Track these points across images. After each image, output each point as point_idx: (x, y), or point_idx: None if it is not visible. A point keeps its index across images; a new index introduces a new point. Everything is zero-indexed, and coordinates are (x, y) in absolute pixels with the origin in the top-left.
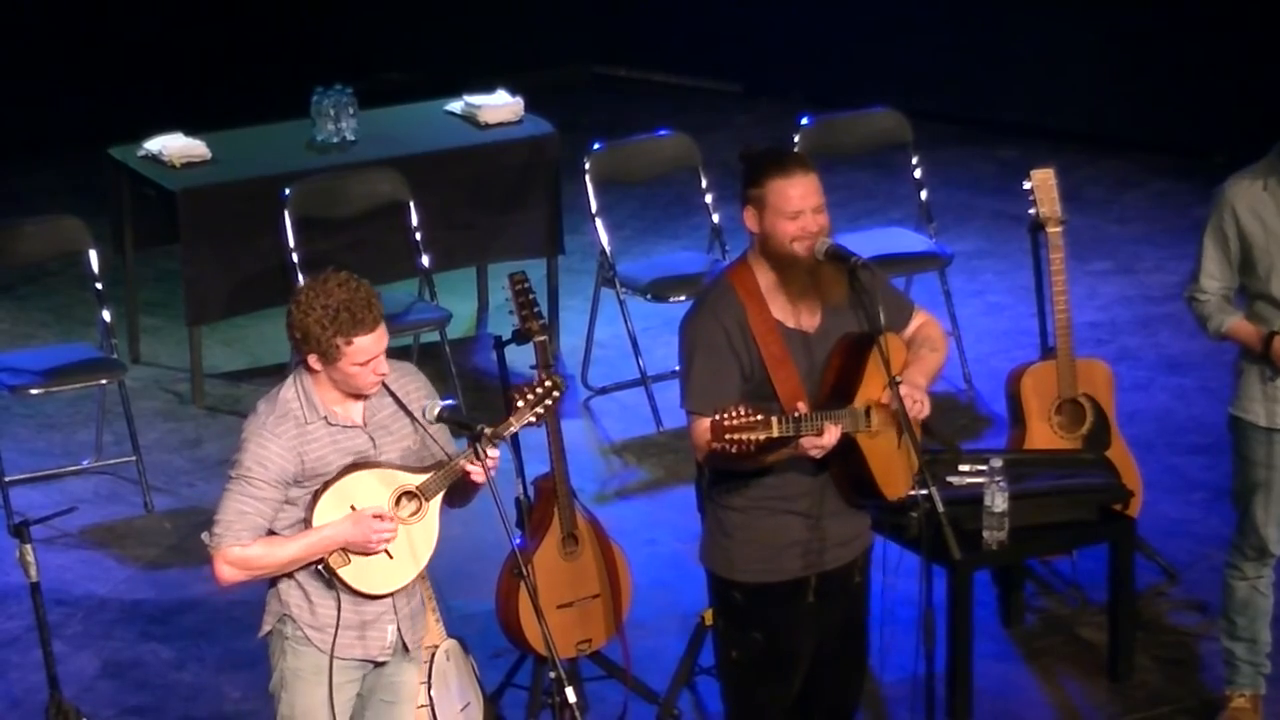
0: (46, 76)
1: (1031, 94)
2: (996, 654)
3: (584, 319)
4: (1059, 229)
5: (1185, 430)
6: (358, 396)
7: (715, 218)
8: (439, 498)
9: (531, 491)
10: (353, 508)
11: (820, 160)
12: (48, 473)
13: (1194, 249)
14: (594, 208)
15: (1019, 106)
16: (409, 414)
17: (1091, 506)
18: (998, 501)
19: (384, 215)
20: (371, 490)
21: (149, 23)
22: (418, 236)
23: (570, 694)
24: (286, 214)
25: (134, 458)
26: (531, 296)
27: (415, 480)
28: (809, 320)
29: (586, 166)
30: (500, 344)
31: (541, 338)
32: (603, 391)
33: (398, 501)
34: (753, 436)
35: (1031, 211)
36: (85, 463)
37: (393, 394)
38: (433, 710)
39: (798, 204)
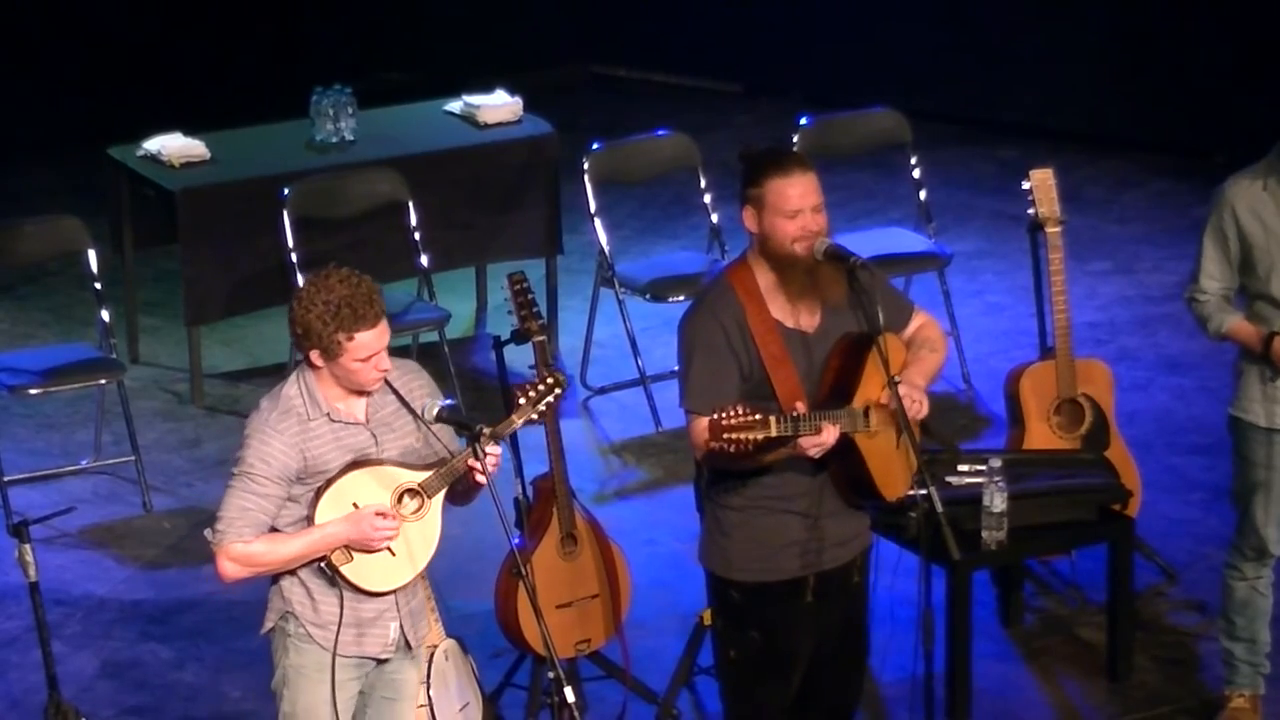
0: (46, 76)
1: (1031, 94)
2: (996, 654)
3: (583, 319)
4: (1058, 229)
5: (1184, 430)
6: (360, 393)
7: (714, 218)
8: (441, 495)
9: (530, 491)
10: (355, 505)
11: (819, 160)
12: (47, 473)
13: (1194, 249)
14: (593, 208)
15: (1019, 106)
16: (412, 411)
17: (1090, 506)
18: (997, 501)
19: (383, 215)
20: (373, 488)
21: (149, 23)
22: (417, 236)
23: (569, 694)
24: (286, 214)
25: (133, 458)
26: (530, 296)
27: (417, 478)
28: (808, 320)
29: (585, 166)
30: (499, 344)
31: (540, 338)
32: (602, 391)
33: (400, 499)
34: (751, 436)
35: (1031, 211)
36: (84, 463)
37: (395, 391)
38: (432, 710)
39: (797, 203)
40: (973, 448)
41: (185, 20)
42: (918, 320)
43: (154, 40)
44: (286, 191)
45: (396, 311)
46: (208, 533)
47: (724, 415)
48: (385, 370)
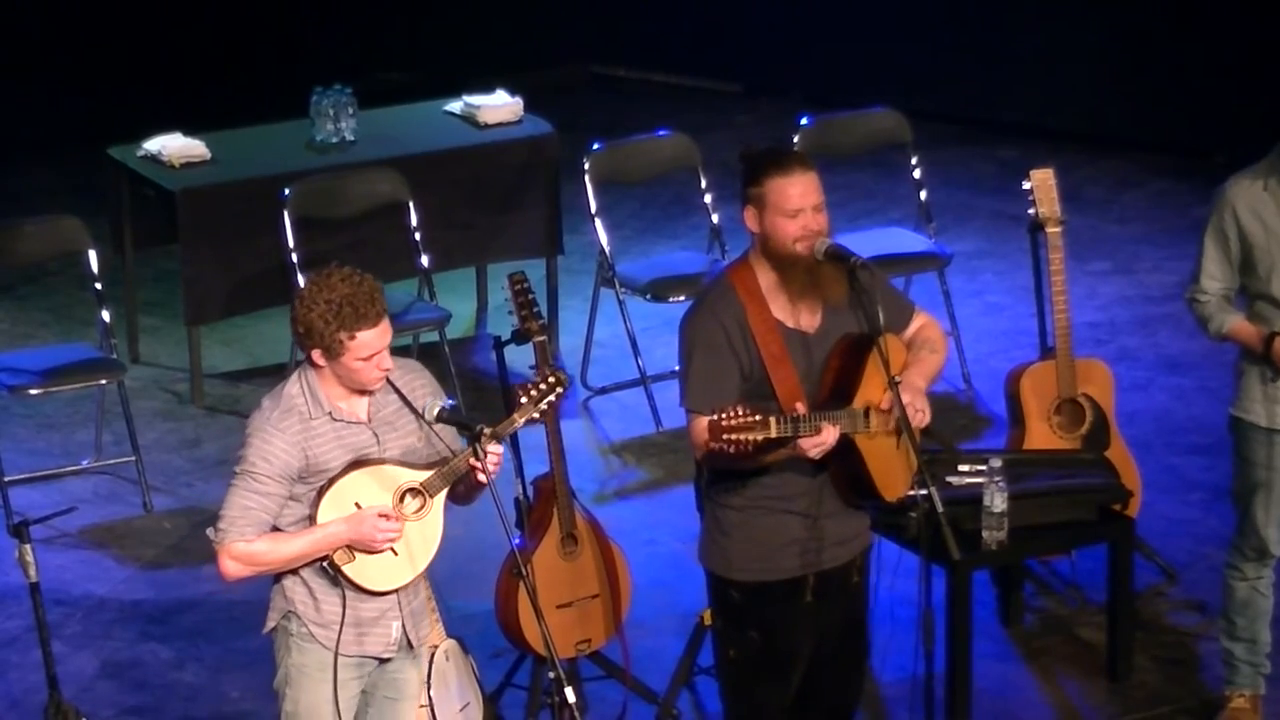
0: (46, 76)
1: (1031, 94)
2: (996, 654)
3: (583, 319)
4: (1058, 229)
5: (1184, 430)
6: (362, 392)
7: (715, 218)
8: (443, 495)
9: (531, 491)
10: (357, 505)
11: (820, 160)
12: (47, 473)
13: (1194, 249)
14: (593, 208)
15: (1019, 106)
16: (413, 410)
17: (1090, 506)
18: (997, 501)
19: (383, 215)
20: (375, 488)
21: (149, 23)
22: (417, 236)
23: (569, 694)
24: (286, 214)
25: (133, 458)
26: (531, 296)
27: (419, 477)
28: (809, 320)
29: (586, 166)
30: (499, 344)
31: (541, 338)
32: (602, 391)
33: (401, 499)
34: (751, 436)
35: (1031, 211)
36: (84, 463)
37: (397, 390)
38: (432, 710)
39: (798, 202)
40: (973, 448)
41: (185, 20)
42: (918, 321)
43: (154, 40)
44: (287, 191)
45: (397, 312)
46: (210, 531)
47: (724, 416)
48: (387, 369)
